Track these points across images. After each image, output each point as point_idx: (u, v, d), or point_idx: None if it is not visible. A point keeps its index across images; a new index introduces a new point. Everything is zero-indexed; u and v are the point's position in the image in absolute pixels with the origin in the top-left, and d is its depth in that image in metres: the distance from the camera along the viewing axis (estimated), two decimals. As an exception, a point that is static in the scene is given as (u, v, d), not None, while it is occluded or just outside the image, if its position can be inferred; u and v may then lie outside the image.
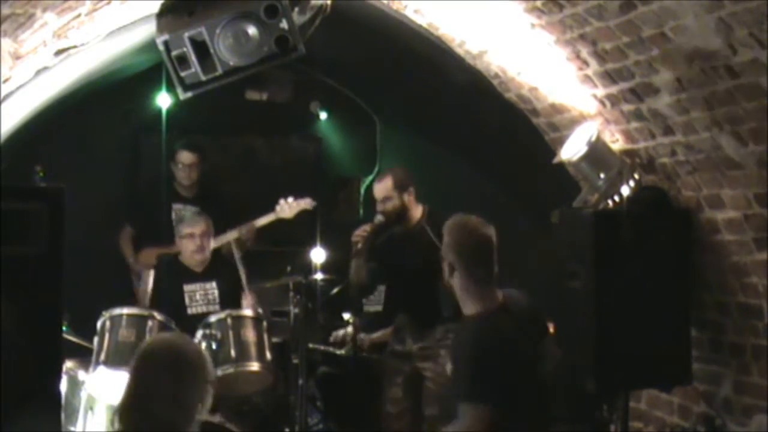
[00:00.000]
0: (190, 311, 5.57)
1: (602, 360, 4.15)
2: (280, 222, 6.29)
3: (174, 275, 5.65)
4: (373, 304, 6.36)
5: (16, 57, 3.60)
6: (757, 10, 3.08)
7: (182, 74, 3.84)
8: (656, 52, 3.66)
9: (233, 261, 5.95)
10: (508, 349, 3.46)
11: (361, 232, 5.26)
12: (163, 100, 6.76)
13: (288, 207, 6.13)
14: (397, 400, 5.31)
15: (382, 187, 5.33)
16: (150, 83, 6.69)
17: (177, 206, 6.39)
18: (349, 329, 5.80)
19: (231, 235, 6.10)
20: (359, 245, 5.23)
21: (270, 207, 6.19)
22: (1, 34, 3.28)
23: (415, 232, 5.29)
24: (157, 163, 6.65)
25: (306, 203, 6.18)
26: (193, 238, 5.62)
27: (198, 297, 5.63)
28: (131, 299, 6.02)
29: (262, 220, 6.17)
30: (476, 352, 3.49)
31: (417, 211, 5.35)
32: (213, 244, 5.81)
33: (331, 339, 6.07)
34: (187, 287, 5.62)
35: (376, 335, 5.87)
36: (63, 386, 4.78)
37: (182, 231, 5.69)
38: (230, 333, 5.15)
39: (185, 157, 6.39)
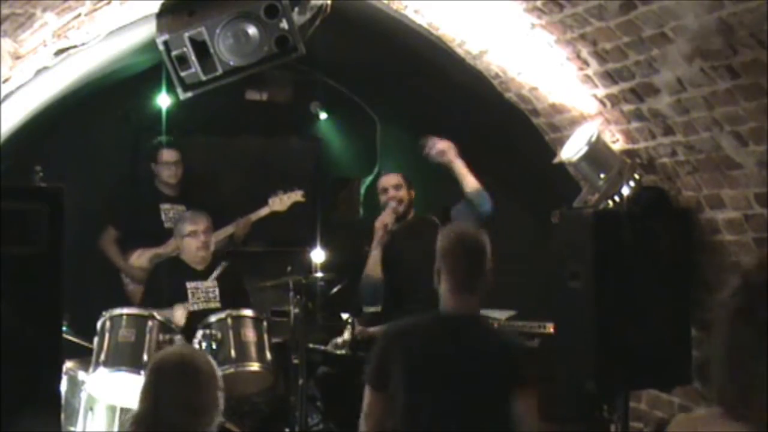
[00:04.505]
0: (192, 308, 5.57)
1: (602, 360, 4.15)
2: (280, 222, 6.29)
3: (176, 274, 5.64)
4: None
5: (16, 57, 3.59)
6: (757, 10, 3.08)
7: (182, 74, 3.84)
8: (656, 52, 3.66)
9: (228, 259, 5.96)
10: (410, 348, 3.42)
11: (384, 218, 5.39)
12: (163, 100, 6.76)
13: (280, 200, 6.20)
14: None
15: (393, 177, 5.58)
16: (150, 83, 6.68)
17: (164, 206, 6.38)
18: (347, 336, 5.78)
19: (227, 231, 6.14)
20: (380, 233, 5.35)
21: (263, 203, 6.25)
22: (1, 34, 3.28)
23: (414, 223, 5.48)
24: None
25: (297, 195, 6.26)
26: (197, 236, 5.62)
27: (200, 294, 5.63)
28: (126, 300, 6.00)
29: (257, 215, 6.23)
30: (384, 339, 3.58)
31: (411, 212, 5.59)
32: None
33: (330, 346, 6.05)
34: (189, 285, 5.62)
35: (374, 329, 5.86)
36: (63, 386, 4.78)
37: (185, 230, 5.68)
38: (230, 333, 5.15)
39: (168, 155, 6.39)
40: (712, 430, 1.79)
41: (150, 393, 2.98)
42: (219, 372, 3.14)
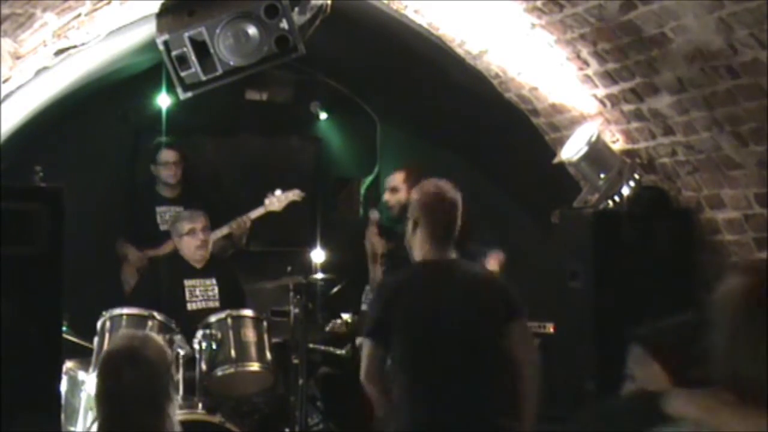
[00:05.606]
0: (190, 307, 5.55)
1: (602, 360, 4.15)
2: (280, 222, 6.27)
3: (174, 271, 5.62)
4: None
5: (16, 57, 3.59)
6: (757, 10, 3.08)
7: (182, 74, 3.84)
8: (656, 52, 3.66)
9: (227, 259, 5.94)
10: (408, 297, 3.66)
11: (371, 239, 5.42)
12: (163, 100, 6.75)
13: (277, 200, 6.13)
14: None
15: (393, 177, 5.39)
16: (150, 83, 6.67)
17: (161, 209, 6.34)
18: (347, 317, 5.79)
19: (222, 231, 6.09)
20: (375, 262, 5.39)
21: (260, 203, 6.20)
22: (1, 34, 3.28)
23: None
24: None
25: (294, 194, 6.18)
26: (195, 234, 5.60)
27: (198, 293, 5.60)
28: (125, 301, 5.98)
29: (252, 215, 6.16)
30: (381, 293, 3.84)
31: None
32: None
33: (329, 328, 6.05)
34: (187, 282, 5.60)
35: None
36: (63, 386, 4.77)
37: (183, 229, 5.65)
38: (230, 333, 5.14)
39: (168, 155, 6.36)
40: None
41: (100, 389, 2.92)
42: (169, 355, 3.03)
